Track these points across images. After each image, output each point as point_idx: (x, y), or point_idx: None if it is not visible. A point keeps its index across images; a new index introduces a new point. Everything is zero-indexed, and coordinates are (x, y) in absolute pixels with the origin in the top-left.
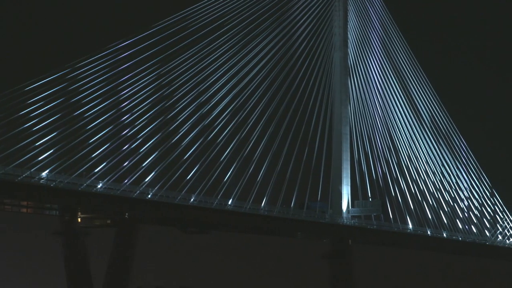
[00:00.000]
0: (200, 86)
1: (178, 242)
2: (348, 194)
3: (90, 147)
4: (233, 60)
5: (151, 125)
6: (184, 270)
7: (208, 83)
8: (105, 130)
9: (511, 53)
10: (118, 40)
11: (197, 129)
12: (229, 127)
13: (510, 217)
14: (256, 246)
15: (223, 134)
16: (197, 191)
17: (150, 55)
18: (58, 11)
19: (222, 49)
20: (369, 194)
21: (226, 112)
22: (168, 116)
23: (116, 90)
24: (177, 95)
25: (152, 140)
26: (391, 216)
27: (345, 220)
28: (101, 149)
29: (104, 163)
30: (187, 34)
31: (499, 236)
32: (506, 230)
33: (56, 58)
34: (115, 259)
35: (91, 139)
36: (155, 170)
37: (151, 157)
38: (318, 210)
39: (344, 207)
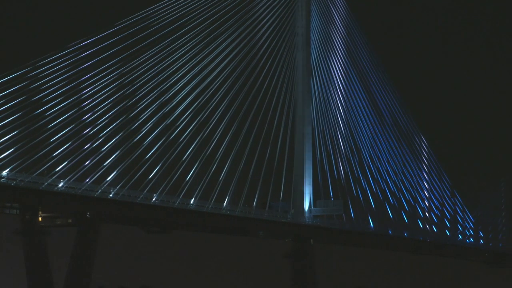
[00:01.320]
0: (162, 86)
1: (140, 242)
2: (310, 194)
3: (51, 146)
4: (195, 60)
5: (112, 124)
6: (146, 270)
7: (170, 82)
8: (66, 129)
9: (473, 54)
10: (79, 39)
11: (159, 128)
12: (191, 126)
13: (470, 217)
14: (218, 245)
15: (185, 134)
16: (159, 190)
17: (112, 54)
18: (18, 10)
19: (184, 49)
20: (331, 194)
21: (188, 112)
22: (130, 115)
23: (78, 89)
24: (139, 94)
25: (114, 139)
26: (352, 216)
27: (307, 220)
28: (62, 148)
29: (66, 162)
30: (149, 33)
31: (459, 235)
32: (466, 230)
33: (16, 57)
34: (77, 259)
35: (52, 137)
36: (116, 170)
37: (113, 156)
38: (280, 210)
39: (306, 207)
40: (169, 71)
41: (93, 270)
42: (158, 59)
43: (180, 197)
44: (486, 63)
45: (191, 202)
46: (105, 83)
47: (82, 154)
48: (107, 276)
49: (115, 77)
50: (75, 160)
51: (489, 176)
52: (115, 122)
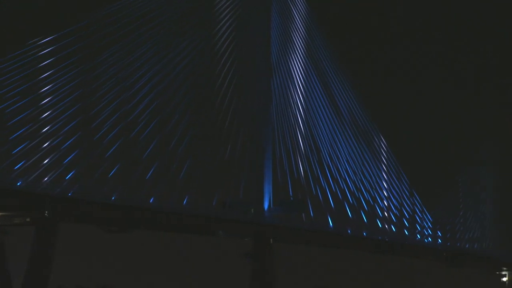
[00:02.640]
0: (124, 83)
1: (100, 241)
2: (270, 193)
3: (9, 144)
4: (156, 58)
5: (72, 122)
6: (105, 269)
7: (132, 79)
8: (25, 127)
9: (433, 52)
10: (38, 36)
11: (119, 126)
12: (152, 124)
13: (429, 216)
14: (178, 244)
15: (146, 132)
16: (119, 189)
17: (72, 52)
18: None
19: (144, 48)
20: (291, 193)
21: (149, 110)
22: (90, 113)
23: (37, 87)
24: (99, 92)
25: (74, 137)
26: (312, 215)
27: (267, 219)
28: (21, 146)
29: (24, 161)
30: (110, 32)
31: (417, 235)
32: (424, 230)
33: None
34: (35, 258)
35: (11, 136)
36: (76, 167)
37: (72, 154)
38: (240, 209)
39: (266, 206)
40: (128, 69)
41: (51, 269)
42: (117, 57)
43: (140, 195)
44: (443, 62)
45: (151, 200)
46: (64, 81)
47: (42, 152)
48: (65, 275)
49: (75, 75)
50: (34, 158)
51: (447, 176)
52: (75, 120)
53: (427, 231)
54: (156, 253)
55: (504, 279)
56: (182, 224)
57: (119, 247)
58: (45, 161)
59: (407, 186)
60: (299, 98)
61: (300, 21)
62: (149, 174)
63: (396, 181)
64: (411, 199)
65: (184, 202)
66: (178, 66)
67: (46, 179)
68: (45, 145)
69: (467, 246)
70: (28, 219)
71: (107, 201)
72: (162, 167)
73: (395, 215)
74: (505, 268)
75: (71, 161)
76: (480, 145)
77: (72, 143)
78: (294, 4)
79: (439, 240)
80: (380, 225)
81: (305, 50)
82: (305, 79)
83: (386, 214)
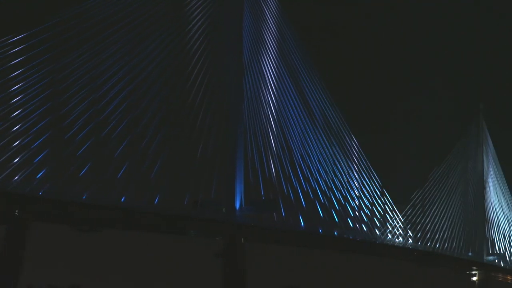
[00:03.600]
0: (94, 83)
1: (70, 240)
2: (241, 193)
3: None
4: (128, 57)
5: (43, 121)
6: (75, 269)
7: (103, 79)
8: None
9: (402, 52)
10: (7, 35)
11: (90, 125)
12: (123, 124)
13: (400, 216)
14: (149, 244)
15: (117, 131)
16: (90, 188)
17: (42, 51)
18: None
19: (116, 47)
20: (262, 193)
21: (121, 109)
22: (61, 112)
23: (7, 85)
24: (70, 91)
25: (44, 136)
26: (283, 214)
27: (238, 219)
28: None
29: None
30: (80, 31)
31: (388, 235)
32: (395, 229)
33: None
34: (5, 257)
35: None
36: (47, 166)
37: (43, 153)
38: (211, 208)
39: (238, 205)
40: (100, 68)
41: (22, 268)
42: (89, 56)
43: (112, 195)
44: (414, 60)
45: (122, 200)
46: (34, 80)
47: (12, 151)
48: (36, 274)
49: (45, 74)
50: (4, 157)
51: (418, 176)
52: (46, 119)
53: (398, 230)
54: (127, 252)
55: (474, 278)
56: (153, 223)
57: (90, 246)
58: (16, 160)
59: (378, 186)
60: (271, 97)
61: (272, 21)
62: (120, 173)
63: (367, 180)
64: (382, 199)
65: (156, 201)
66: (149, 65)
67: (16, 178)
68: (15, 144)
69: (437, 246)
70: None
71: (78, 200)
72: (134, 166)
73: (366, 214)
74: (475, 268)
75: (42, 160)
76: (450, 145)
77: (42, 142)
78: (266, 4)
79: (410, 240)
80: (351, 225)
81: (277, 50)
82: (277, 78)
83: (357, 214)
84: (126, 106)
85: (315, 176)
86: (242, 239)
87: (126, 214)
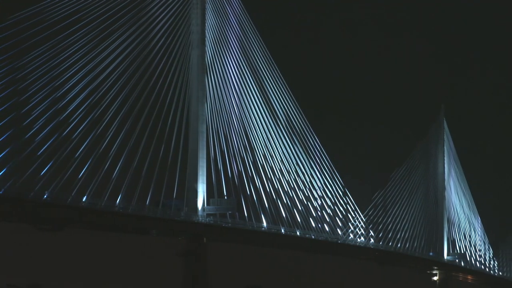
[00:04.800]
0: (55, 82)
1: (31, 239)
2: (203, 192)
3: None
4: (89, 56)
5: (2, 120)
6: (36, 268)
7: (64, 78)
8: None
9: (365, 53)
10: None
11: (51, 124)
12: (85, 123)
13: (362, 216)
14: (111, 244)
15: (79, 130)
16: (51, 187)
17: (2, 50)
18: None
19: (78, 45)
20: (225, 192)
21: (82, 108)
22: (21, 112)
23: None
24: (31, 89)
25: (5, 135)
26: (246, 214)
27: (200, 218)
28: None
29: None
30: (42, 28)
31: (350, 234)
32: (357, 229)
33: None
34: None
35: None
36: (7, 166)
37: (3, 153)
38: (174, 208)
39: (200, 205)
40: (62, 66)
41: None
42: (52, 54)
43: (73, 194)
44: (376, 63)
45: (84, 199)
46: None
47: None
48: None
49: (4, 73)
50: None
51: (380, 177)
52: (5, 118)
53: (359, 230)
54: (88, 252)
55: (435, 278)
56: (115, 223)
57: (50, 245)
58: None
59: (340, 186)
60: (234, 97)
61: (236, 21)
62: (81, 173)
63: (330, 180)
64: (344, 199)
65: (117, 201)
66: (110, 65)
67: None
68: None
69: (399, 245)
70: None
71: (38, 199)
72: (95, 166)
73: (328, 214)
74: (436, 267)
75: (2, 160)
76: (412, 146)
77: (2, 141)
78: (230, 4)
79: (372, 240)
80: (313, 225)
81: (240, 50)
82: (240, 78)
83: (319, 214)
84: (87, 106)
85: (277, 176)
86: (205, 238)
87: (87, 214)
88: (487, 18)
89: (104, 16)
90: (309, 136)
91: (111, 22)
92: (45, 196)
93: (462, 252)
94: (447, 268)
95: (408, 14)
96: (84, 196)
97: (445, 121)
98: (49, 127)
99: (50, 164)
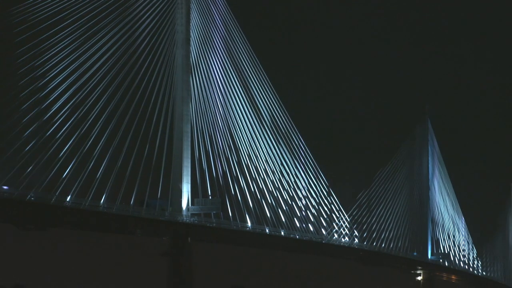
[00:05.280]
0: (39, 81)
1: (15, 239)
2: (188, 192)
3: None
4: (73, 56)
5: None
6: (20, 268)
7: (48, 78)
8: None
9: (350, 53)
10: None
11: (35, 124)
12: (69, 122)
13: (346, 216)
14: (95, 243)
15: (62, 130)
16: (35, 187)
17: None
18: None
19: (62, 44)
20: (209, 192)
21: (66, 108)
22: (5, 111)
23: None
24: (14, 89)
25: None
26: (230, 214)
27: (185, 218)
28: None
29: None
30: (27, 27)
31: (335, 234)
32: (341, 229)
33: None
34: None
35: None
36: None
37: None
38: (158, 208)
39: (184, 205)
40: (47, 66)
41: None
42: (36, 53)
43: (57, 193)
44: (361, 62)
45: (68, 199)
46: None
47: None
48: None
49: None
50: None
51: (364, 177)
52: None
53: (344, 230)
54: (73, 252)
55: (419, 278)
56: (100, 223)
57: (35, 245)
58: None
59: (324, 186)
60: (218, 97)
61: (221, 21)
62: (65, 173)
63: (314, 180)
64: (328, 199)
65: (101, 201)
66: (95, 64)
67: None
68: None
69: (383, 245)
70: None
71: (23, 199)
72: (79, 166)
73: (313, 214)
74: (420, 267)
75: None
76: (396, 146)
77: None
78: (215, 4)
79: (356, 240)
80: (298, 225)
81: (225, 50)
82: (225, 78)
83: (304, 214)
84: (71, 105)
85: (262, 176)
86: (189, 238)
87: (71, 214)
88: (470, 18)
89: (89, 16)
90: (293, 136)
91: (95, 22)
92: (29, 196)
93: (446, 252)
94: (431, 268)
95: (391, 14)
96: (68, 196)
97: (429, 121)
98: (32, 127)
99: (34, 164)
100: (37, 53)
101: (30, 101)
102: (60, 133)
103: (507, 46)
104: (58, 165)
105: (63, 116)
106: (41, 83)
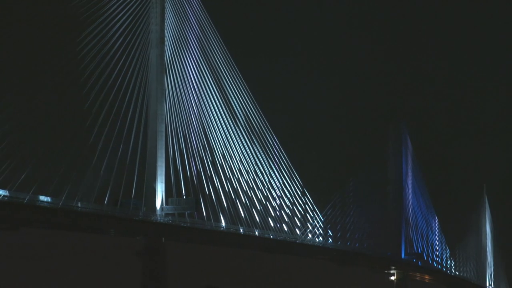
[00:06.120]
0: (13, 80)
1: None
2: (162, 192)
3: None
4: (48, 54)
5: None
6: None
7: (22, 76)
8: None
9: (325, 54)
10: None
11: (7, 123)
12: (42, 122)
13: (320, 216)
14: (69, 243)
15: (35, 129)
16: (7, 186)
17: None
18: None
19: (36, 43)
20: (184, 192)
21: (39, 107)
22: None
23: None
24: None
25: None
26: (204, 214)
27: (159, 218)
28: None
29: None
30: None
31: (309, 234)
32: (315, 229)
33: None
34: None
35: None
36: None
37: None
38: (132, 207)
39: (158, 204)
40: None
41: None
42: (7, 53)
43: (30, 193)
44: (332, 64)
45: (41, 198)
46: None
47: None
48: None
49: None
50: None
51: (339, 176)
52: None
53: (318, 230)
54: (46, 251)
55: (393, 277)
56: (73, 222)
57: (7, 245)
58: None
59: (299, 185)
60: (193, 97)
61: (195, 21)
62: (39, 172)
63: (289, 180)
64: (302, 199)
65: (75, 200)
66: (69, 63)
67: None
68: None
69: (356, 245)
70: None
71: None
72: (53, 165)
73: (287, 214)
74: (393, 267)
75: None
76: (370, 147)
77: None
78: (189, 3)
79: (330, 240)
80: (272, 225)
81: (200, 50)
82: (199, 78)
83: (278, 214)
84: (45, 104)
85: (236, 176)
86: (163, 238)
87: (45, 213)
88: (440, 24)
89: (62, 13)
90: (268, 136)
91: (69, 19)
92: (1, 196)
93: (420, 251)
94: (405, 267)
95: (362, 19)
96: (41, 195)
97: (403, 122)
98: (5, 126)
99: (7, 163)
100: (10, 51)
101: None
102: (34, 132)
103: (478, 49)
104: (31, 164)
105: (36, 115)
106: (16, 81)
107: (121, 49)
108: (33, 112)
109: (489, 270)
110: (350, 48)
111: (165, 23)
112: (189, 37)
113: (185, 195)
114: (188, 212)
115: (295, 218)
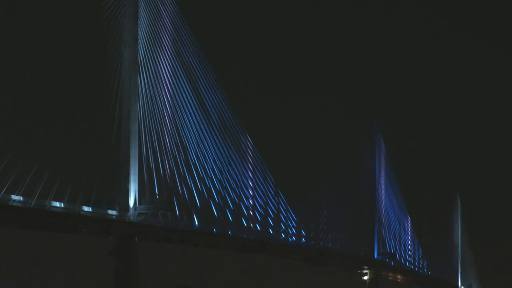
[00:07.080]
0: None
1: None
2: (135, 191)
3: None
4: (18, 53)
5: None
6: None
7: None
8: None
9: (298, 52)
10: None
11: None
12: (15, 121)
13: (293, 216)
14: (41, 243)
15: (8, 129)
16: None
17: None
18: None
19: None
20: (157, 192)
21: (12, 106)
22: None
23: None
24: None
25: None
26: (178, 214)
27: (132, 217)
28: None
29: None
30: None
31: (282, 234)
32: (289, 229)
33: None
34: None
35: None
36: None
37: None
38: (105, 207)
39: (131, 204)
40: None
41: None
42: None
43: (2, 192)
44: (307, 66)
45: (13, 198)
46: None
47: None
48: None
49: None
50: None
51: (312, 177)
52: None
53: (291, 230)
54: (17, 251)
55: (365, 277)
56: (46, 221)
57: None
58: None
59: (272, 185)
60: (166, 97)
61: (169, 20)
62: (11, 171)
63: (262, 180)
64: (276, 198)
65: (47, 200)
66: (40, 62)
67: None
68: None
69: (330, 245)
70: None
71: None
72: (25, 165)
73: (260, 214)
74: (366, 267)
75: None
76: (344, 147)
77: None
78: (164, 4)
79: (303, 239)
80: (245, 224)
81: (173, 49)
82: (173, 78)
83: (251, 213)
84: (16, 103)
85: (210, 176)
86: (136, 238)
87: (17, 212)
88: (412, 22)
89: (34, 12)
90: (241, 136)
91: (40, 16)
92: None
93: (392, 251)
94: (377, 267)
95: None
96: (13, 194)
97: (376, 122)
98: None
99: None
100: None
101: None
102: (4, 132)
103: (458, 49)
104: (3, 163)
105: (9, 114)
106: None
107: (94, 47)
108: (2, 111)
109: (461, 270)
110: (324, 47)
111: (139, 22)
112: (163, 36)
113: (158, 194)
114: (162, 212)
115: (268, 218)
